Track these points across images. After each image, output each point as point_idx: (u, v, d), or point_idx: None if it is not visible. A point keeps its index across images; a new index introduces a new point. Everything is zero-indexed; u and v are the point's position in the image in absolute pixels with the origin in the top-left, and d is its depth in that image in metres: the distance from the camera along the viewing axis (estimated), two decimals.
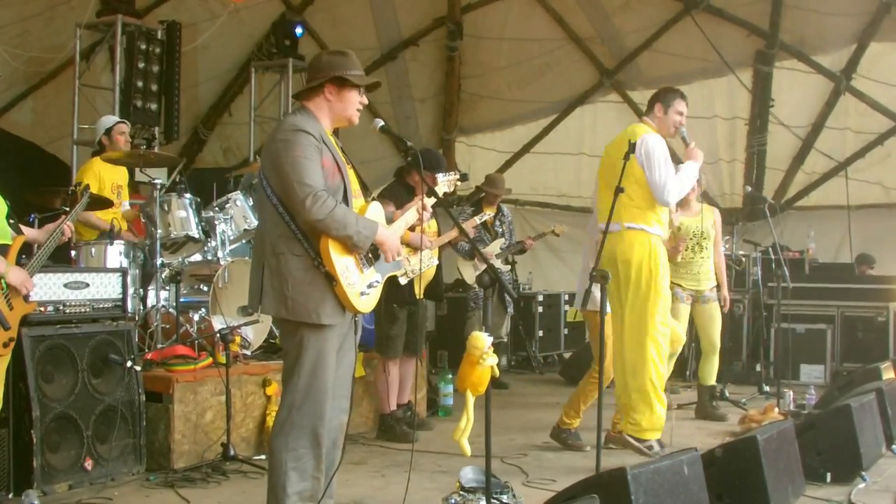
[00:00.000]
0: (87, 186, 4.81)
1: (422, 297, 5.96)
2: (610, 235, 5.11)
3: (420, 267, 5.61)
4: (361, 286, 3.58)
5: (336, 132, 3.87)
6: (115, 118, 7.05)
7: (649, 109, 5.51)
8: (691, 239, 6.73)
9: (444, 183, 4.24)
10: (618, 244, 5.20)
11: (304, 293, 3.46)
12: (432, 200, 3.98)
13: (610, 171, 5.26)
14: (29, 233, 4.22)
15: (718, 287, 6.92)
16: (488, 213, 7.88)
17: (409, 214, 3.86)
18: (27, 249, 4.10)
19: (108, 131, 6.77)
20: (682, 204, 6.69)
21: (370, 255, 3.63)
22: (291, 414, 3.51)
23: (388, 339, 5.93)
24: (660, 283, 5.21)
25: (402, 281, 5.58)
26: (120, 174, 6.67)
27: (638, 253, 5.20)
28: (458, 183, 4.47)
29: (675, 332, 6.60)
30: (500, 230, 8.20)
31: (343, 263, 3.49)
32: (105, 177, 6.48)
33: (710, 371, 6.87)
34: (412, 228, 3.90)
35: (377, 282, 3.68)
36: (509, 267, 8.46)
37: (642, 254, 5.20)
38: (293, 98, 4.37)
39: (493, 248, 8.04)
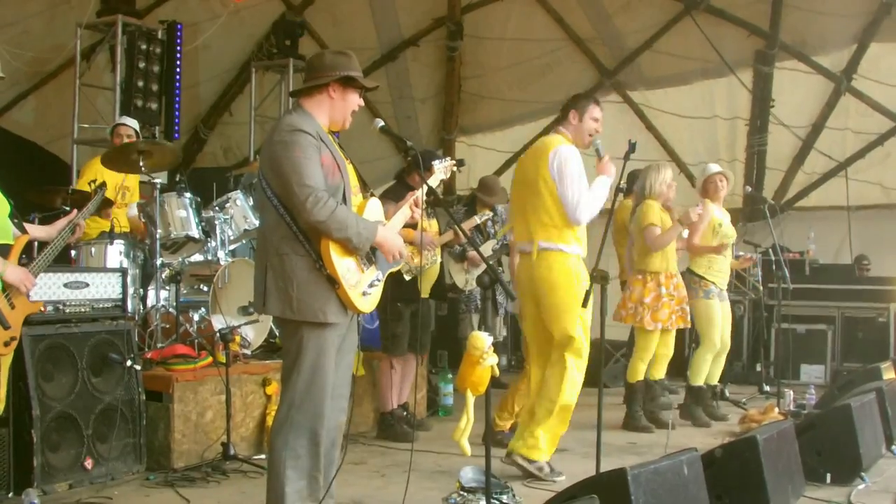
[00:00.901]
0: (103, 184, 4.78)
1: (426, 295, 5.97)
2: (523, 257, 4.92)
3: (422, 265, 5.62)
4: (363, 286, 3.58)
5: (337, 134, 3.87)
6: (121, 119, 7.01)
7: (563, 118, 5.15)
8: (727, 237, 6.73)
9: (441, 169, 4.16)
10: (534, 267, 4.85)
11: (309, 293, 3.47)
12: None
13: (522, 186, 4.99)
14: (36, 230, 4.19)
15: None
16: (488, 213, 7.88)
17: (405, 210, 3.85)
18: (27, 249, 4.09)
19: (112, 132, 6.79)
20: (717, 199, 6.77)
21: (370, 253, 3.63)
22: (290, 413, 3.52)
23: (393, 337, 5.94)
24: (578, 304, 4.74)
25: (406, 278, 5.58)
26: (125, 175, 6.66)
27: (556, 275, 4.80)
28: (455, 168, 4.37)
29: (724, 334, 6.67)
30: (493, 231, 8.17)
31: (344, 265, 3.50)
32: (106, 176, 6.47)
33: (715, 370, 6.86)
34: (414, 227, 3.90)
35: (378, 280, 3.68)
36: (502, 268, 8.46)
37: (560, 275, 4.80)
38: (290, 96, 4.37)
39: (485, 249, 8.02)
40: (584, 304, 4.68)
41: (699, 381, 6.66)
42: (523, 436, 4.92)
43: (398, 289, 5.44)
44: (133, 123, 7.01)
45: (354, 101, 3.69)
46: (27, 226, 4.22)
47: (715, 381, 6.92)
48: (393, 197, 5.16)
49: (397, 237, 3.71)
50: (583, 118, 5.08)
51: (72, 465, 4.53)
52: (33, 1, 9.51)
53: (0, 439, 4.31)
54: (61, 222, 4.24)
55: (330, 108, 3.65)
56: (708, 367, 6.69)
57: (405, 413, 6.28)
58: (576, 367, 4.84)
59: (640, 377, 6.51)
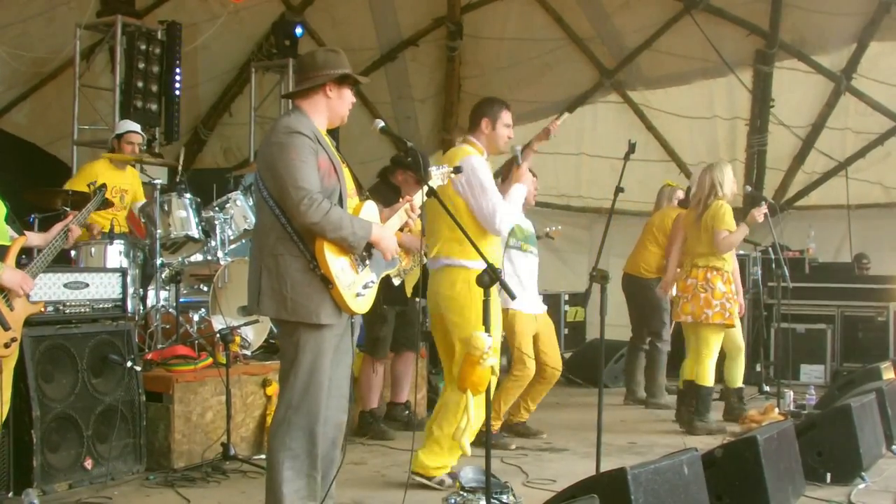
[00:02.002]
0: (103, 186, 4.78)
1: (410, 295, 5.98)
2: (431, 272, 4.70)
3: (411, 267, 5.62)
4: (357, 287, 3.58)
5: (335, 134, 3.87)
6: (129, 126, 6.97)
7: (473, 127, 4.86)
8: None
9: (438, 176, 4.15)
10: (439, 283, 4.62)
11: (303, 294, 3.47)
12: (419, 199, 3.93)
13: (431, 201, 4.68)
14: (31, 237, 4.18)
15: None
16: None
17: (401, 214, 3.85)
18: (28, 250, 4.07)
19: (119, 137, 6.78)
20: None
21: (364, 254, 3.63)
22: (288, 413, 3.52)
23: (377, 340, 5.97)
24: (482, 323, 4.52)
25: (395, 282, 5.58)
26: (125, 178, 6.65)
27: (458, 292, 4.53)
28: (452, 175, 4.32)
29: (737, 337, 6.64)
30: None
31: (339, 265, 3.49)
32: (104, 179, 6.46)
33: (737, 373, 6.82)
34: (400, 229, 3.88)
35: (372, 282, 3.68)
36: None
37: (462, 292, 4.51)
38: (285, 98, 4.36)
39: None
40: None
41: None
42: (420, 454, 4.66)
43: (384, 291, 5.42)
44: (139, 129, 7.01)
45: (349, 97, 3.71)
46: (27, 233, 4.17)
47: (739, 383, 6.85)
48: (376, 196, 5.13)
49: (393, 236, 3.71)
50: (496, 126, 4.83)
51: (72, 466, 4.53)
52: (33, 2, 9.50)
53: (0, 440, 4.31)
54: (56, 227, 4.22)
55: (327, 107, 3.65)
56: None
57: (406, 411, 6.29)
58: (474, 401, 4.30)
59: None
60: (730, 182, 6.45)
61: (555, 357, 6.05)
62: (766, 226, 6.82)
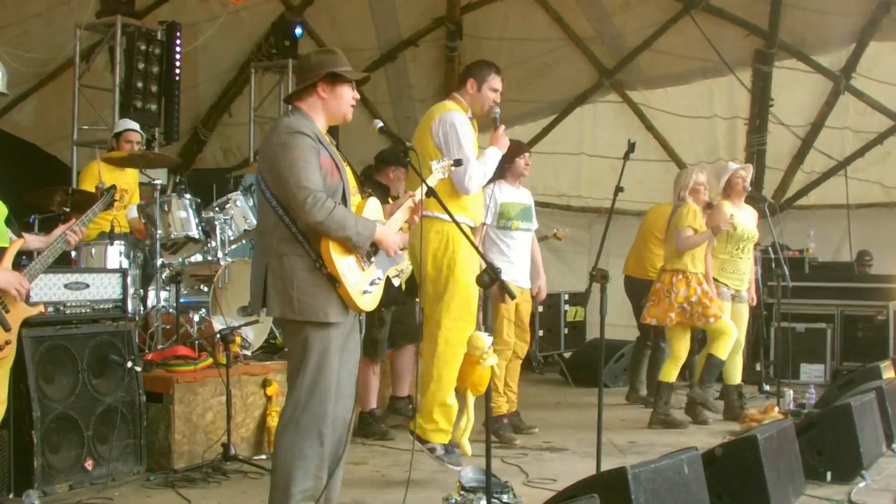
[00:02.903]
0: (112, 188, 4.77)
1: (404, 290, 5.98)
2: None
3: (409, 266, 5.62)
4: (364, 284, 3.59)
5: (335, 133, 3.86)
6: (128, 124, 6.98)
7: (460, 84, 4.89)
8: (743, 241, 6.81)
9: (439, 170, 4.15)
10: (414, 235, 4.49)
11: (310, 293, 3.47)
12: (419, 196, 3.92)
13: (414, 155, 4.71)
14: (30, 240, 4.13)
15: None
16: None
17: (401, 213, 3.85)
18: (29, 253, 4.04)
19: (118, 136, 6.78)
20: (734, 197, 6.82)
21: (370, 250, 3.63)
22: (296, 413, 3.52)
23: (375, 342, 5.98)
24: (457, 276, 4.60)
25: (395, 282, 5.57)
26: (125, 177, 6.65)
27: (433, 243, 4.59)
28: (452, 168, 4.31)
29: (733, 328, 6.64)
30: None
31: (345, 264, 3.50)
32: (105, 179, 6.47)
33: (735, 370, 6.86)
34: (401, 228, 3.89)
35: (379, 279, 3.69)
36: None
37: (437, 244, 4.60)
38: (284, 101, 4.36)
39: None
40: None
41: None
42: (420, 417, 4.71)
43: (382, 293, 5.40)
44: (138, 127, 7.02)
45: (348, 94, 3.68)
46: (26, 235, 4.13)
47: (737, 380, 6.92)
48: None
49: (396, 233, 3.72)
50: (481, 88, 4.82)
51: (72, 466, 4.53)
52: (33, 2, 9.50)
53: (0, 440, 4.31)
54: (57, 230, 4.20)
55: (323, 107, 3.65)
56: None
57: (409, 406, 6.30)
58: (445, 340, 4.57)
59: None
60: (694, 185, 6.57)
61: (524, 333, 6.15)
62: (765, 225, 6.83)
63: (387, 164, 6.20)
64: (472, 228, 4.75)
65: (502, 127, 4.91)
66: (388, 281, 5.63)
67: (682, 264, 6.45)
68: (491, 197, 5.82)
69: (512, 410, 6.16)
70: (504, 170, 5.91)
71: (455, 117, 4.67)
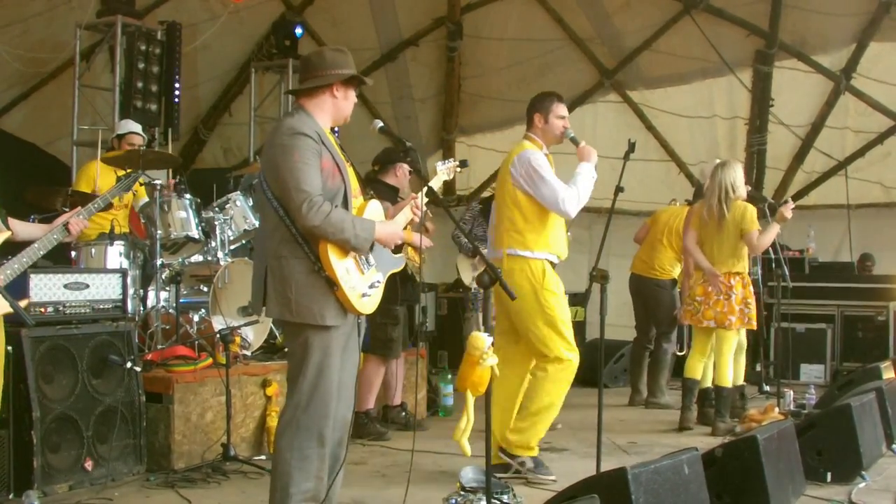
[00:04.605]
0: (137, 172, 4.73)
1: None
2: (495, 263, 4.80)
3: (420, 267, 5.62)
4: (363, 287, 3.58)
5: (337, 132, 3.86)
6: (130, 126, 6.95)
7: (529, 123, 5.09)
8: None
9: (443, 171, 4.16)
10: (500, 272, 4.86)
11: (307, 295, 3.47)
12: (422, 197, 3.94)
13: (496, 196, 5.04)
14: (22, 228, 4.02)
15: None
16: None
17: (406, 212, 3.85)
18: (17, 248, 3.93)
19: (120, 138, 6.77)
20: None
21: (370, 254, 3.63)
22: (297, 414, 3.52)
23: (389, 341, 5.95)
24: (548, 309, 4.82)
25: (417, 279, 5.58)
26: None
27: (517, 282, 4.71)
28: (458, 170, 4.35)
29: (741, 336, 6.61)
30: None
31: (343, 267, 3.49)
32: (101, 185, 6.44)
33: (738, 371, 6.81)
34: (414, 229, 3.90)
35: (378, 282, 3.68)
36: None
37: (521, 282, 4.76)
38: (289, 94, 4.36)
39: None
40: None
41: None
42: (507, 432, 4.91)
43: (393, 291, 5.41)
44: (140, 129, 7.01)
45: (353, 97, 3.72)
46: (14, 222, 4.01)
47: (740, 381, 6.81)
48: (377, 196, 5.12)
49: (395, 233, 3.71)
50: (548, 119, 5.02)
51: (72, 467, 4.53)
52: (33, 2, 9.50)
53: (0, 441, 4.31)
54: (59, 220, 4.13)
55: (333, 107, 3.65)
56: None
57: (402, 413, 6.29)
58: (550, 374, 4.82)
59: None
60: (742, 182, 6.42)
61: None
62: (765, 225, 6.82)
63: (391, 164, 6.18)
64: (553, 265, 4.95)
65: (583, 142, 5.07)
66: (404, 279, 5.66)
67: (741, 266, 6.31)
68: None
69: None
70: None
71: (529, 154, 4.88)
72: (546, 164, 4.88)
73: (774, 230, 6.34)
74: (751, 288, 6.36)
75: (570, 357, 4.85)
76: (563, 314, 4.88)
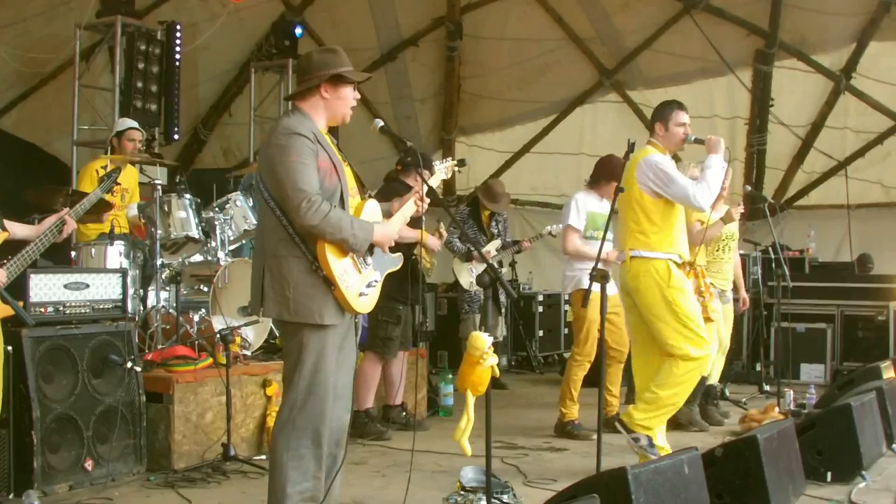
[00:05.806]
0: (116, 170, 4.72)
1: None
2: (622, 264, 5.09)
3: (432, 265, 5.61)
4: (360, 287, 3.58)
5: (335, 132, 3.85)
6: (129, 123, 6.97)
7: (651, 131, 5.27)
8: (723, 240, 6.71)
9: (442, 170, 4.16)
10: (625, 273, 5.06)
11: (306, 294, 3.47)
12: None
13: (621, 198, 5.09)
14: (19, 228, 4.04)
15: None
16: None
17: (407, 208, 3.85)
18: (16, 248, 3.96)
19: (120, 135, 6.77)
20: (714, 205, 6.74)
21: (367, 254, 3.63)
22: (293, 414, 3.52)
23: (388, 339, 5.95)
24: (675, 306, 4.93)
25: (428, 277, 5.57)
26: (125, 177, 6.63)
27: (644, 282, 4.96)
28: (457, 169, 4.39)
29: (722, 334, 6.61)
30: (496, 231, 8.18)
31: (341, 266, 3.49)
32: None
33: (714, 371, 6.83)
34: (418, 220, 3.90)
35: (376, 281, 3.68)
36: (503, 269, 8.45)
37: (648, 282, 4.96)
38: (285, 100, 4.37)
39: (489, 249, 8.01)
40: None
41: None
42: (631, 408, 5.10)
43: (396, 289, 5.40)
44: (139, 126, 7.01)
45: (349, 95, 3.67)
46: (9, 223, 4.04)
47: (714, 380, 6.88)
48: (394, 194, 5.15)
49: (393, 233, 3.71)
50: (668, 127, 5.16)
51: (72, 467, 4.53)
52: (33, 2, 9.51)
53: (0, 440, 4.31)
54: (49, 220, 4.16)
55: (325, 107, 3.64)
56: None
57: (402, 413, 6.28)
58: (679, 369, 4.93)
59: None
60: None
61: (619, 338, 6.18)
62: (766, 225, 6.84)
63: (414, 168, 6.16)
64: (678, 264, 5.05)
65: (709, 135, 5.21)
66: (409, 277, 5.66)
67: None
68: (575, 203, 6.24)
69: (612, 413, 6.15)
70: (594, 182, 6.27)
71: (654, 157, 5.03)
72: (671, 165, 5.06)
73: (717, 227, 6.32)
74: (705, 280, 6.34)
75: (698, 354, 4.95)
76: (691, 310, 4.98)
